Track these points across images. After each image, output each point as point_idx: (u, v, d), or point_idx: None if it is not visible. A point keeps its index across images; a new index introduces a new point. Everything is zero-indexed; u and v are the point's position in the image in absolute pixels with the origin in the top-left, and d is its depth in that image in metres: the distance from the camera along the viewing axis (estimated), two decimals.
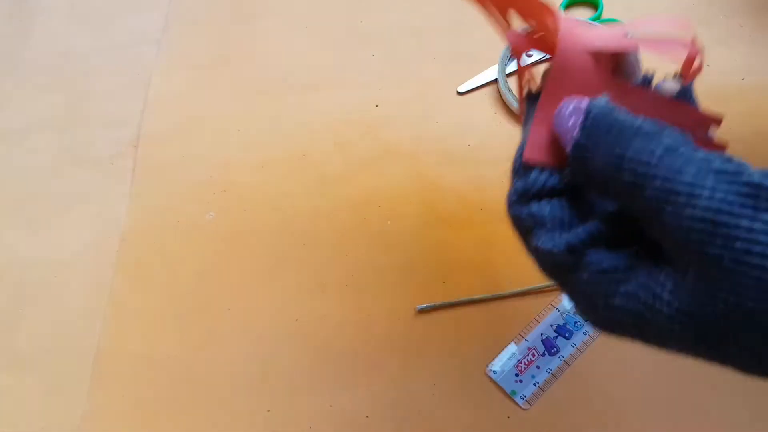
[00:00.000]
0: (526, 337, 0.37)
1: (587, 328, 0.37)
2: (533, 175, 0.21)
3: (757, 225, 0.16)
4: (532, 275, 0.39)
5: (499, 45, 0.47)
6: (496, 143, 0.44)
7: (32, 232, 0.44)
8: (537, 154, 0.22)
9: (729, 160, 0.18)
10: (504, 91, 0.45)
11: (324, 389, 0.37)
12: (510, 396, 0.36)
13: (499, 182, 0.42)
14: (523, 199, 0.21)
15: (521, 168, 0.22)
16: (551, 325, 0.38)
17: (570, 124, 0.20)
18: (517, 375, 0.36)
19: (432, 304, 0.39)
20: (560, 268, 0.21)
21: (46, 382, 0.39)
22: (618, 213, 0.21)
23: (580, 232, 0.20)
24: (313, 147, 0.45)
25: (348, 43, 0.49)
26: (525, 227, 0.21)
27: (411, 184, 0.43)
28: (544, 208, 0.21)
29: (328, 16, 0.50)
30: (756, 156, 0.41)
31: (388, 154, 0.44)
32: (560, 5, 0.48)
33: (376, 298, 0.39)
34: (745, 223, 0.16)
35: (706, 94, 0.44)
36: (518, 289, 0.39)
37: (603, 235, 0.20)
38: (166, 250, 0.42)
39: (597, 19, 0.47)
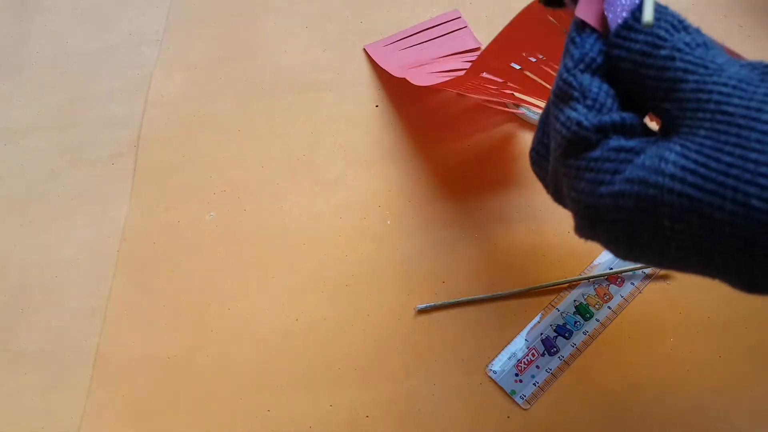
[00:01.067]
0: (526, 337, 0.37)
1: (587, 327, 0.37)
2: (589, 42, 0.22)
3: None
4: (532, 275, 0.39)
5: None
6: (496, 142, 0.44)
7: (32, 232, 0.44)
8: (588, 16, 0.22)
9: (757, 62, 0.20)
10: None
11: (324, 389, 0.37)
12: (510, 396, 0.36)
13: (499, 182, 0.42)
14: (579, 66, 0.22)
15: (577, 36, 0.22)
16: (551, 325, 0.38)
17: (624, 6, 0.22)
18: (517, 375, 0.36)
19: (432, 304, 0.39)
20: (579, 144, 0.21)
21: (46, 382, 0.39)
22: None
23: (614, 116, 0.21)
24: (313, 147, 0.45)
25: (348, 43, 0.49)
26: (568, 95, 0.22)
27: (411, 184, 0.43)
28: (594, 83, 0.21)
29: (328, 16, 0.50)
30: None
31: (388, 154, 0.44)
32: None
33: (376, 298, 0.39)
34: (762, 89, 0.18)
35: None
36: (518, 289, 0.39)
37: (633, 127, 0.21)
38: (166, 250, 0.42)
39: None
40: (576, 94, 0.22)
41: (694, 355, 0.36)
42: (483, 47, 0.47)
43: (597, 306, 0.38)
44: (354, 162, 0.44)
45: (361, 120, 0.45)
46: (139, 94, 0.48)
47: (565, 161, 0.22)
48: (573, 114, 0.21)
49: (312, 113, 0.46)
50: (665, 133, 0.21)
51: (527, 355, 0.37)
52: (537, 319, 0.38)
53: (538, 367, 0.37)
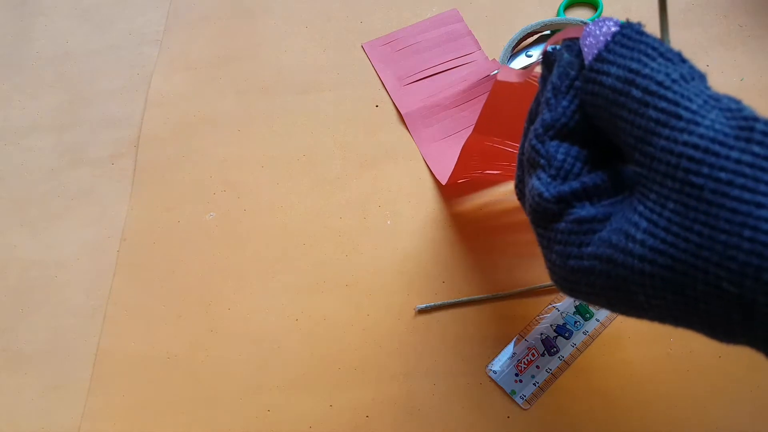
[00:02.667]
0: (526, 337, 0.37)
1: (587, 327, 0.37)
2: (563, 105, 0.21)
3: (745, 157, 0.16)
4: (532, 275, 0.39)
5: (499, 45, 0.47)
6: None
7: (32, 232, 0.44)
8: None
9: (737, 102, 0.18)
10: None
11: (324, 389, 0.37)
12: (510, 396, 0.36)
13: (499, 182, 0.42)
14: (547, 133, 0.21)
15: (553, 98, 0.21)
16: (551, 325, 0.38)
17: (595, 38, 0.21)
18: (517, 375, 0.36)
19: (432, 304, 0.39)
20: (543, 214, 0.21)
21: (46, 382, 0.39)
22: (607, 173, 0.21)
23: (574, 183, 0.20)
24: (313, 147, 0.45)
25: (348, 43, 0.49)
26: (536, 162, 0.21)
27: (411, 184, 0.43)
28: (558, 151, 0.21)
29: (328, 16, 0.50)
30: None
31: (388, 154, 0.44)
32: (560, 5, 0.48)
33: (376, 298, 0.39)
34: (734, 154, 0.16)
35: None
36: (518, 289, 0.39)
37: (596, 191, 0.20)
38: (166, 250, 0.42)
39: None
40: (542, 161, 0.21)
41: (694, 355, 0.36)
42: (481, 49, 0.47)
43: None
44: (354, 162, 0.44)
45: (361, 120, 0.45)
46: (139, 94, 0.48)
47: (536, 229, 0.22)
48: (536, 184, 0.21)
49: (312, 113, 0.46)
50: (632, 186, 0.20)
51: (527, 355, 0.37)
52: (537, 319, 0.38)
53: (538, 367, 0.37)
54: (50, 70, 0.50)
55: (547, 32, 0.47)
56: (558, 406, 0.36)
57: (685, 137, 0.17)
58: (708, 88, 0.18)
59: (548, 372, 0.36)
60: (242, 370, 0.38)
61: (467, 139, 0.35)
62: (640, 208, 0.18)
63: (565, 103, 0.21)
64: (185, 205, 0.43)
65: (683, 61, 0.19)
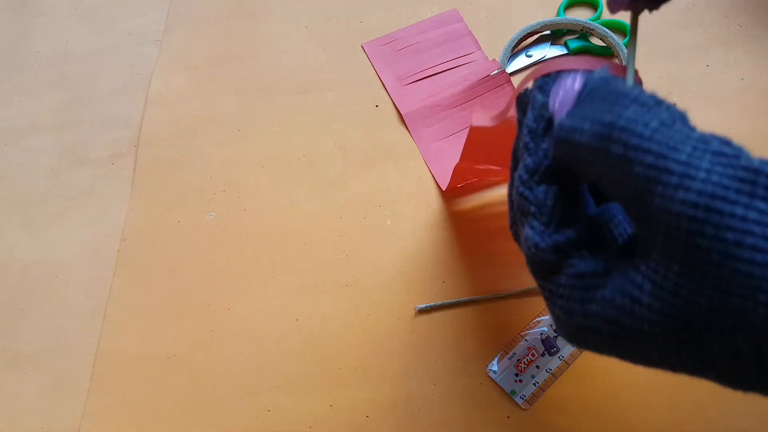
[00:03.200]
0: (526, 337, 0.37)
1: None
2: (543, 148, 0.20)
3: (751, 214, 0.15)
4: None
5: (499, 45, 0.47)
6: None
7: (32, 232, 0.44)
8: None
9: (727, 142, 0.16)
10: None
11: (324, 389, 0.37)
12: (510, 396, 0.36)
13: (499, 182, 0.42)
14: (533, 178, 0.20)
15: (531, 141, 0.21)
16: (551, 325, 0.38)
17: (566, 95, 0.20)
18: (517, 375, 0.36)
19: (432, 304, 0.39)
20: (543, 266, 0.20)
21: (46, 382, 0.39)
22: (604, 215, 0.20)
23: (569, 232, 0.20)
24: (313, 147, 0.45)
25: (348, 43, 0.49)
26: (526, 209, 0.21)
27: (411, 184, 0.43)
28: (548, 196, 0.20)
29: (328, 16, 0.50)
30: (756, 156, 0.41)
31: (388, 154, 0.44)
32: (560, 5, 0.48)
33: (376, 298, 0.39)
34: (739, 211, 0.15)
35: (706, 94, 0.44)
36: (518, 289, 0.39)
37: (590, 237, 0.20)
38: (166, 250, 0.42)
39: (596, 19, 0.47)
40: (533, 209, 0.20)
41: None
42: (481, 49, 0.47)
43: None
44: (354, 162, 0.44)
45: (361, 120, 0.45)
46: (139, 94, 0.48)
47: (536, 280, 0.21)
48: (530, 233, 0.20)
49: (312, 113, 0.46)
50: (633, 245, 0.18)
51: (527, 355, 0.37)
52: (537, 319, 0.38)
53: (538, 367, 0.37)
54: (50, 70, 0.50)
55: (547, 32, 0.47)
56: (558, 406, 0.36)
57: (681, 195, 0.15)
58: (692, 129, 0.17)
59: (548, 372, 0.36)
60: (242, 370, 0.38)
61: (456, 165, 0.36)
62: (643, 268, 0.17)
63: (544, 145, 0.20)
64: (185, 205, 0.43)
65: (659, 103, 0.18)
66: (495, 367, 0.37)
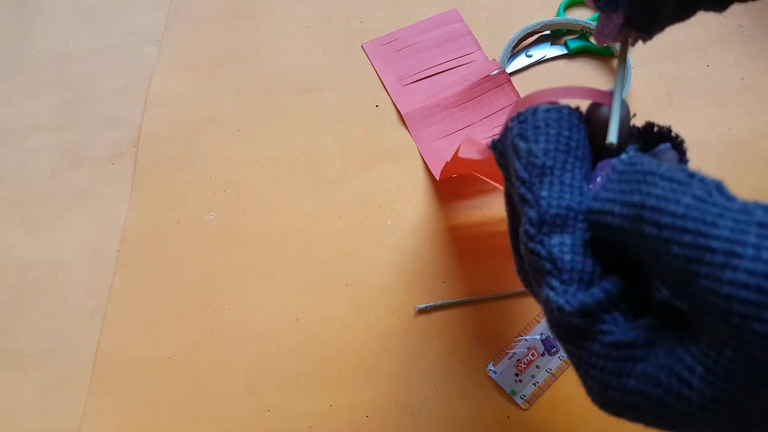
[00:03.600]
0: (526, 337, 0.37)
1: None
2: (546, 195, 0.19)
3: None
4: None
5: (499, 45, 0.47)
6: None
7: (32, 232, 0.44)
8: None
9: None
10: None
11: (324, 389, 0.37)
12: (510, 396, 0.36)
13: (499, 181, 0.42)
14: (541, 231, 0.18)
15: (528, 192, 0.19)
16: None
17: (600, 180, 0.19)
18: (517, 375, 0.36)
19: (432, 304, 0.39)
20: (569, 330, 0.18)
21: (46, 382, 0.39)
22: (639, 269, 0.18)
23: (596, 292, 0.17)
24: (313, 147, 0.45)
25: (348, 43, 0.49)
26: (540, 267, 0.18)
27: (411, 184, 0.43)
28: (563, 250, 0.18)
29: (328, 16, 0.50)
30: (756, 156, 0.41)
31: (388, 154, 0.44)
32: (560, 5, 0.48)
33: (376, 298, 0.39)
34: None
35: (706, 94, 0.44)
36: (518, 289, 0.39)
37: (623, 296, 0.17)
38: (166, 250, 0.42)
39: (596, 19, 0.47)
40: (548, 266, 0.18)
41: None
42: (481, 49, 0.47)
43: None
44: (354, 162, 0.44)
45: (361, 120, 0.45)
46: (139, 94, 0.48)
47: (562, 344, 0.19)
48: (551, 295, 0.18)
49: (312, 113, 0.46)
50: (675, 314, 0.17)
51: (527, 355, 0.37)
52: (537, 319, 0.38)
53: (538, 367, 0.37)
54: (50, 70, 0.50)
55: (547, 32, 0.47)
56: (558, 406, 0.36)
57: (729, 275, 0.14)
58: (731, 198, 0.15)
59: (548, 372, 0.36)
60: (242, 370, 0.38)
61: (448, 162, 0.36)
62: (693, 349, 0.16)
63: (544, 193, 0.19)
64: (185, 205, 0.43)
65: (690, 176, 0.16)
66: (495, 367, 0.37)
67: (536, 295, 0.21)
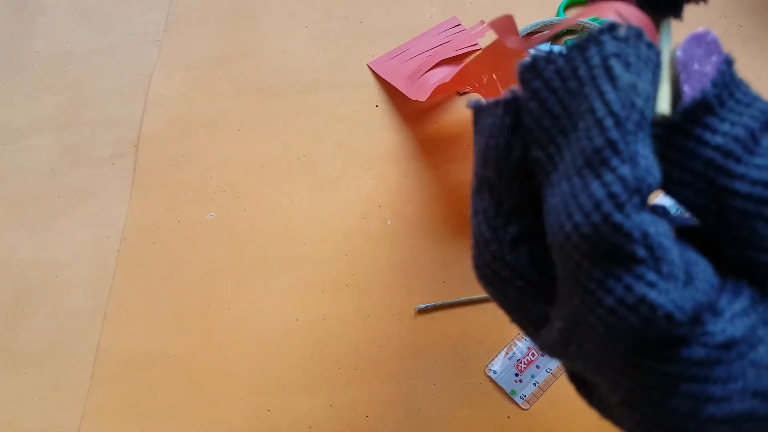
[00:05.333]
0: (527, 337, 0.37)
1: None
2: (644, 155, 0.13)
3: None
4: None
5: None
6: None
7: (32, 232, 0.44)
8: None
9: None
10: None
11: (324, 389, 0.37)
12: (510, 396, 0.36)
13: None
14: (633, 201, 0.13)
15: (623, 142, 0.13)
16: None
17: (701, 67, 0.14)
18: (517, 375, 0.36)
19: (432, 304, 0.39)
20: (664, 342, 0.13)
21: (46, 382, 0.39)
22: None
23: (702, 285, 0.13)
24: (313, 147, 0.45)
25: (348, 43, 0.49)
26: (624, 252, 0.13)
27: (411, 184, 0.43)
28: (661, 233, 0.13)
29: (328, 16, 0.50)
30: None
31: (388, 154, 0.44)
32: (560, 5, 0.48)
33: (376, 298, 0.39)
34: None
35: None
36: None
37: (718, 288, 0.14)
38: (166, 250, 0.42)
39: (596, 19, 0.46)
40: (641, 253, 0.13)
41: None
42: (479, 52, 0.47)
43: None
44: (354, 162, 0.44)
45: (361, 120, 0.45)
46: (139, 94, 0.48)
47: (636, 359, 0.14)
48: (651, 295, 0.13)
49: (312, 113, 0.46)
50: (763, 284, 0.14)
51: (527, 355, 0.37)
52: None
53: (538, 367, 0.37)
54: (50, 70, 0.50)
55: (547, 32, 0.47)
56: (558, 406, 0.36)
57: None
58: None
59: (548, 372, 0.36)
60: (242, 370, 0.38)
61: (465, 65, 0.36)
62: None
63: (642, 150, 0.13)
64: (185, 205, 0.43)
65: None
66: (495, 367, 0.37)
67: (522, 294, 0.16)
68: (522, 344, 0.37)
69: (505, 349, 0.37)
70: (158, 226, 0.43)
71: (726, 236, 0.14)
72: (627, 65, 0.14)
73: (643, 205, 0.13)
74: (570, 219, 0.13)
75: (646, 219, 0.13)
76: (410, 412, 0.36)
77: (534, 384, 0.36)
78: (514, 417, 0.36)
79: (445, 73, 0.44)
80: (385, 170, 0.43)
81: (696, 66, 0.14)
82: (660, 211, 0.16)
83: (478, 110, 0.16)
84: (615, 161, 0.13)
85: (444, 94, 0.44)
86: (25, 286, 0.42)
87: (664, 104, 0.14)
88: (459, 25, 0.48)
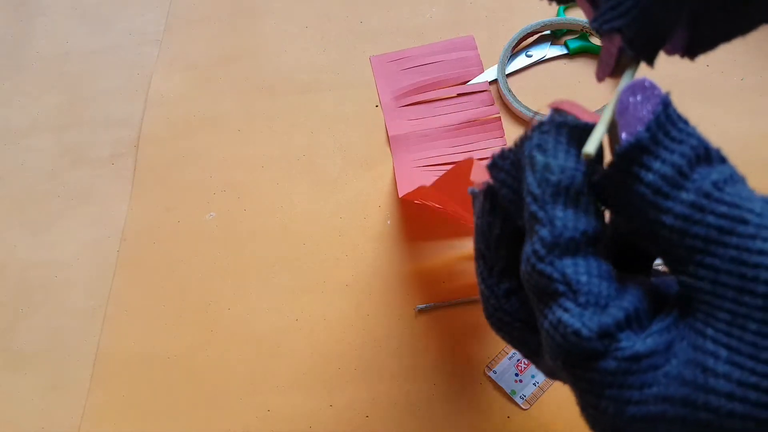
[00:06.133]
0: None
1: None
2: (560, 217, 0.17)
3: None
4: None
5: (498, 46, 0.47)
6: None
7: (32, 232, 0.44)
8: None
9: None
10: (504, 91, 0.45)
11: (324, 389, 0.37)
12: (510, 396, 0.36)
13: None
14: (554, 252, 0.17)
15: (540, 211, 0.18)
16: None
17: (635, 113, 0.17)
18: (517, 375, 0.36)
19: (432, 304, 0.39)
20: (582, 354, 0.17)
21: (46, 382, 0.39)
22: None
23: (614, 312, 0.17)
24: (313, 147, 0.45)
25: (348, 43, 0.49)
26: (551, 290, 0.17)
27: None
28: (578, 272, 0.17)
29: (328, 16, 0.50)
30: (756, 157, 0.41)
31: (388, 154, 0.44)
32: (560, 6, 0.48)
33: (376, 298, 0.39)
34: None
35: (706, 94, 0.44)
36: None
37: (639, 312, 0.17)
38: (166, 250, 0.42)
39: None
40: (561, 288, 0.17)
41: None
42: (489, 90, 0.47)
43: None
44: (354, 162, 0.44)
45: (361, 120, 0.45)
46: (139, 94, 0.48)
47: (569, 370, 0.17)
48: (565, 317, 0.17)
49: (312, 113, 0.46)
50: (687, 304, 0.17)
51: None
52: None
53: None
54: (50, 70, 0.50)
55: (547, 32, 0.47)
56: (558, 406, 0.36)
57: (760, 244, 0.15)
58: (752, 190, 0.16)
59: None
60: (242, 370, 0.38)
61: (426, 186, 0.34)
62: (710, 332, 0.15)
63: (559, 213, 0.17)
64: (185, 205, 0.43)
65: (724, 160, 0.17)
66: (495, 367, 0.37)
67: (504, 330, 0.20)
68: None
69: (505, 349, 0.37)
70: (158, 226, 0.43)
71: (667, 261, 0.17)
72: (544, 151, 0.18)
73: (566, 252, 0.17)
74: (521, 267, 0.18)
75: (566, 263, 0.17)
76: (410, 412, 0.36)
77: (534, 384, 0.36)
78: (514, 417, 0.36)
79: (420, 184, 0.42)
80: (385, 170, 0.43)
81: (633, 112, 0.17)
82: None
83: (473, 197, 0.21)
84: (537, 226, 0.17)
85: (412, 199, 0.41)
86: (25, 286, 0.42)
87: (590, 145, 0.17)
88: (475, 48, 0.47)
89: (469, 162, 0.29)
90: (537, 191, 0.18)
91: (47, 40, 0.51)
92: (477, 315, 0.38)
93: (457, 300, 0.39)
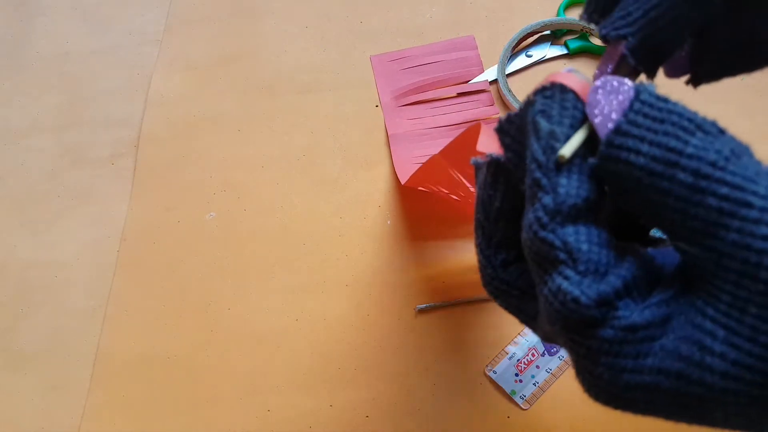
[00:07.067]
0: (526, 337, 0.37)
1: None
2: (564, 184, 0.17)
3: None
4: None
5: (498, 46, 0.47)
6: None
7: (32, 232, 0.44)
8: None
9: None
10: (504, 91, 0.45)
11: (324, 389, 0.37)
12: (510, 396, 0.36)
13: None
14: (557, 220, 0.17)
15: (544, 177, 0.17)
16: None
17: (608, 105, 0.17)
18: (517, 375, 0.36)
19: (432, 304, 0.39)
20: (581, 321, 0.17)
21: (46, 382, 0.39)
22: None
23: (613, 280, 0.17)
24: (313, 147, 0.45)
25: (348, 43, 0.49)
26: (551, 257, 0.17)
27: None
28: (579, 240, 0.17)
29: (328, 16, 0.50)
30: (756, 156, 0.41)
31: (388, 154, 0.44)
32: (560, 5, 0.48)
33: (376, 298, 0.39)
34: None
35: (706, 94, 0.44)
36: None
37: (638, 281, 0.17)
38: (166, 250, 0.42)
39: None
40: (562, 256, 0.17)
41: None
42: (489, 90, 0.47)
43: None
44: (354, 162, 0.44)
45: (361, 120, 0.45)
46: (139, 94, 0.48)
47: (567, 335, 0.18)
48: (565, 285, 0.17)
49: (312, 113, 0.46)
50: (689, 281, 0.17)
51: (527, 355, 0.37)
52: None
53: (538, 367, 0.37)
54: (50, 70, 0.50)
55: (547, 32, 0.47)
56: (558, 406, 0.36)
57: (764, 230, 0.14)
58: (759, 162, 0.16)
59: (548, 372, 0.36)
60: (242, 370, 0.38)
61: (432, 157, 0.34)
62: (711, 312, 0.15)
63: (563, 181, 0.17)
64: (185, 205, 0.43)
65: (722, 132, 0.16)
66: (495, 367, 0.37)
67: (501, 297, 0.21)
68: (522, 344, 0.37)
69: (505, 349, 0.37)
70: (158, 226, 0.43)
71: (671, 239, 0.17)
72: (549, 117, 0.18)
73: (568, 219, 0.17)
74: (523, 234, 0.18)
75: (568, 231, 0.17)
76: (410, 412, 0.36)
77: (534, 384, 0.36)
78: (514, 417, 0.36)
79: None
80: (385, 170, 0.43)
81: (601, 112, 0.17)
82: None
83: (476, 168, 0.21)
84: (540, 193, 0.17)
85: (416, 185, 0.42)
86: (25, 286, 0.42)
87: (566, 149, 0.18)
88: (475, 48, 0.47)
89: (477, 127, 0.29)
90: (542, 158, 0.18)
91: (47, 40, 0.51)
92: (477, 315, 0.38)
93: (457, 300, 0.39)
